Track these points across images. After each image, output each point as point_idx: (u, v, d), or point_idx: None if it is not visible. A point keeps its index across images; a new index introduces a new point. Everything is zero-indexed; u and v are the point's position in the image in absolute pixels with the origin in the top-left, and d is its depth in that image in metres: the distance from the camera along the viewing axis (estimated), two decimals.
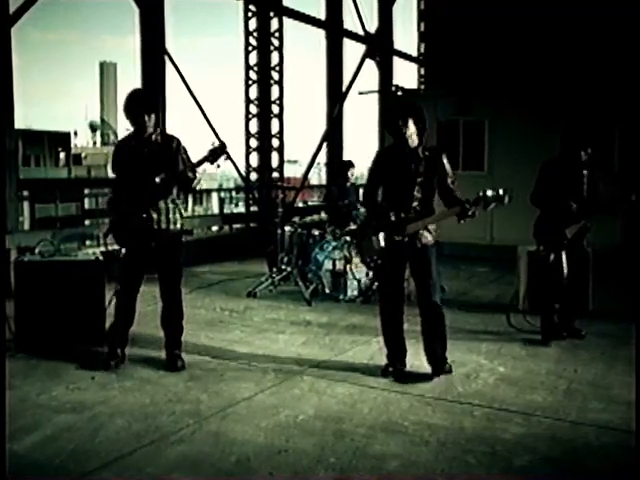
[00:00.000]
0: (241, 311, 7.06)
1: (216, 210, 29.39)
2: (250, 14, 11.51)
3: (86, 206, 25.28)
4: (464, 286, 8.79)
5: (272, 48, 11.65)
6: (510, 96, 11.08)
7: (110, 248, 5.06)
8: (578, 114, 10.37)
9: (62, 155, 45.60)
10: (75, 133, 47.68)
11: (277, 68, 11.75)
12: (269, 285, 7.96)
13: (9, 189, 7.40)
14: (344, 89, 13.75)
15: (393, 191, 4.88)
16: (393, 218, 4.79)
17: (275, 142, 11.89)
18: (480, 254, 11.02)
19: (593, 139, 6.02)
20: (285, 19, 12.02)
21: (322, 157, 13.89)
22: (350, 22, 14.01)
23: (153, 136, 4.94)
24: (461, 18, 15.24)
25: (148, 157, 4.87)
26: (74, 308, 5.41)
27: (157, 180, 4.82)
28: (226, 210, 20.58)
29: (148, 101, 4.97)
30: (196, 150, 5.00)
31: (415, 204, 4.79)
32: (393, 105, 4.92)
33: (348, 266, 7.61)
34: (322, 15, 13.33)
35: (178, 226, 5.03)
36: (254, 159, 11.86)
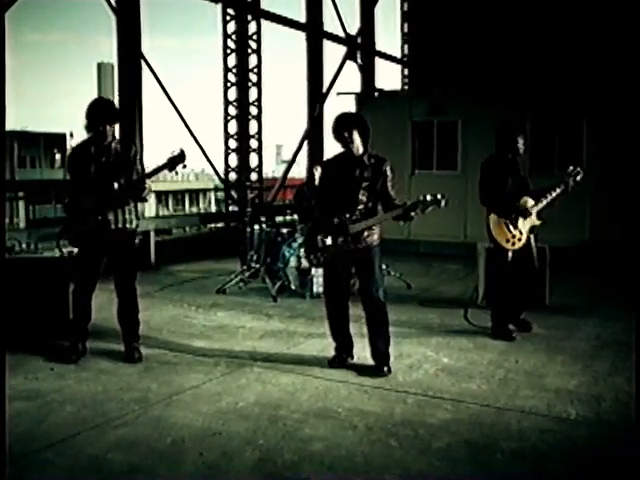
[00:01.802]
0: (207, 307, 7.30)
1: (213, 209, 29.30)
2: (228, 17, 11.77)
3: None
4: (431, 283, 9.04)
5: (250, 51, 11.90)
6: (482, 96, 11.33)
7: (64, 249, 5.29)
8: (547, 112, 10.70)
9: (58, 156, 45.81)
10: (71, 134, 47.75)
11: (255, 70, 12.01)
12: (238, 282, 8.20)
13: None
14: (325, 90, 14.00)
15: (340, 195, 5.10)
16: (337, 220, 5.04)
17: (254, 143, 12.14)
18: (454, 252, 11.25)
19: (524, 127, 6.29)
20: (265, 21, 12.30)
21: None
22: (331, 24, 14.28)
23: (112, 144, 5.19)
24: (443, 19, 15.52)
25: (107, 164, 5.13)
26: (39, 303, 5.65)
27: (115, 186, 5.07)
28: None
29: (110, 112, 5.20)
30: (156, 154, 5.24)
31: (361, 207, 5.04)
32: (338, 117, 5.18)
33: None
34: (303, 16, 13.59)
35: (133, 225, 5.30)
36: (233, 160, 12.11)
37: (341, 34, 14.51)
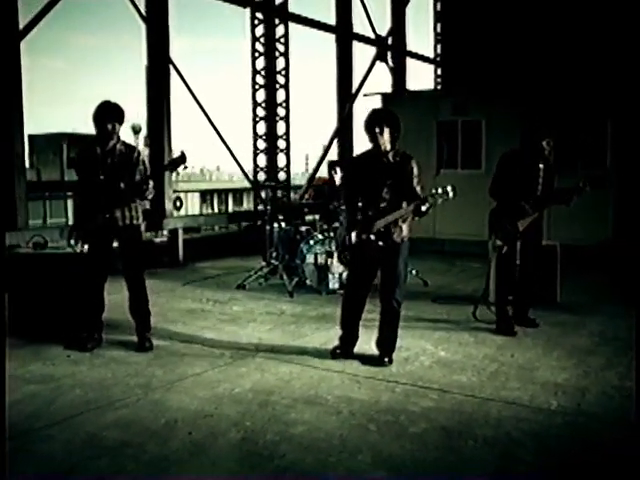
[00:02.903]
0: (224, 302, 7.61)
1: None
2: (257, 21, 12.09)
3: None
4: (449, 281, 9.19)
5: (278, 54, 12.19)
6: (506, 96, 11.40)
7: (75, 245, 5.64)
8: (572, 112, 10.71)
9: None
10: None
11: (283, 72, 12.30)
12: (258, 278, 8.50)
13: (18, 189, 8.12)
14: (354, 90, 14.23)
15: (365, 192, 5.26)
16: (360, 218, 5.21)
17: (281, 143, 12.43)
18: (477, 250, 11.27)
19: (553, 130, 6.39)
20: (294, 23, 12.59)
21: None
22: (360, 25, 14.49)
23: (117, 145, 5.51)
24: (476, 19, 15.59)
25: (112, 166, 5.46)
26: (61, 296, 6.01)
27: (122, 186, 5.40)
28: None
29: (114, 112, 5.51)
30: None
31: (384, 204, 5.18)
32: (372, 112, 5.34)
33: (330, 260, 8.10)
34: (332, 18, 13.84)
35: (139, 222, 5.64)
36: (262, 160, 12.43)
37: (371, 35, 14.71)
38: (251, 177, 12.35)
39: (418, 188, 5.22)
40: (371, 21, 14.60)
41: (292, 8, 12.50)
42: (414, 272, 8.84)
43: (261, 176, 12.44)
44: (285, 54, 12.27)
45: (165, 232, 10.46)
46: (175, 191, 27.28)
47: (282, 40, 12.23)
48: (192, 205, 28.98)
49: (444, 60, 17.55)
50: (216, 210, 29.86)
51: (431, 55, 17.69)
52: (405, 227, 5.25)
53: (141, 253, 5.72)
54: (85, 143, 5.74)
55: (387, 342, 5.36)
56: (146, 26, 9.88)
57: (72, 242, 5.63)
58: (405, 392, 4.66)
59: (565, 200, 6.33)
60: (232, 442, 3.80)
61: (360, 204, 5.21)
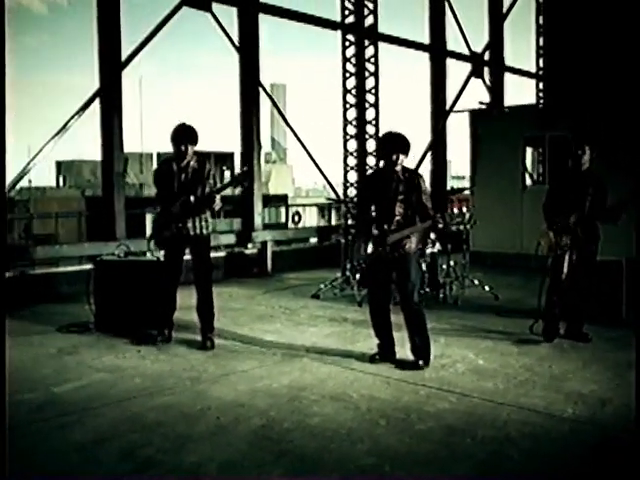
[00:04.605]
0: (295, 309, 8.14)
1: None
2: (347, 43, 12.66)
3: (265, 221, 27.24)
4: (521, 295, 9.20)
5: (368, 73, 12.69)
6: (594, 111, 11.28)
7: (153, 250, 6.40)
8: None
9: (227, 173, 49.35)
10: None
11: (373, 91, 12.78)
12: (333, 289, 8.98)
13: (117, 204, 9.09)
14: (448, 107, 14.48)
15: (379, 207, 5.72)
16: (376, 231, 5.66)
17: (371, 160, 12.88)
18: None
19: (587, 140, 6.50)
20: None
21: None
22: (453, 40, 14.74)
23: (191, 162, 6.20)
24: (581, 32, 15.41)
25: (185, 180, 6.17)
26: (139, 298, 6.77)
27: (192, 199, 6.08)
28: None
29: (189, 134, 6.21)
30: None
31: (398, 218, 5.64)
32: (390, 140, 5.76)
33: None
34: (424, 34, 14.22)
35: (209, 231, 6.30)
36: (353, 176, 12.94)
37: (465, 51, 14.91)
38: (341, 193, 12.88)
39: (429, 204, 5.63)
40: (466, 38, 14.80)
41: (382, 28, 13.00)
42: (487, 288, 9.01)
43: (352, 192, 12.94)
44: (375, 73, 12.74)
45: (256, 244, 11.16)
46: (293, 205, 28.47)
47: (372, 60, 12.72)
48: (310, 218, 30.04)
49: (547, 74, 17.38)
50: (334, 223, 30.60)
51: (532, 69, 17.56)
52: (415, 239, 5.66)
53: (209, 261, 6.41)
54: (164, 160, 6.46)
55: (420, 346, 5.69)
56: (239, 55, 10.68)
57: (151, 247, 6.39)
58: (427, 394, 4.98)
59: (612, 218, 6.38)
60: (252, 428, 4.29)
61: (375, 218, 5.61)
